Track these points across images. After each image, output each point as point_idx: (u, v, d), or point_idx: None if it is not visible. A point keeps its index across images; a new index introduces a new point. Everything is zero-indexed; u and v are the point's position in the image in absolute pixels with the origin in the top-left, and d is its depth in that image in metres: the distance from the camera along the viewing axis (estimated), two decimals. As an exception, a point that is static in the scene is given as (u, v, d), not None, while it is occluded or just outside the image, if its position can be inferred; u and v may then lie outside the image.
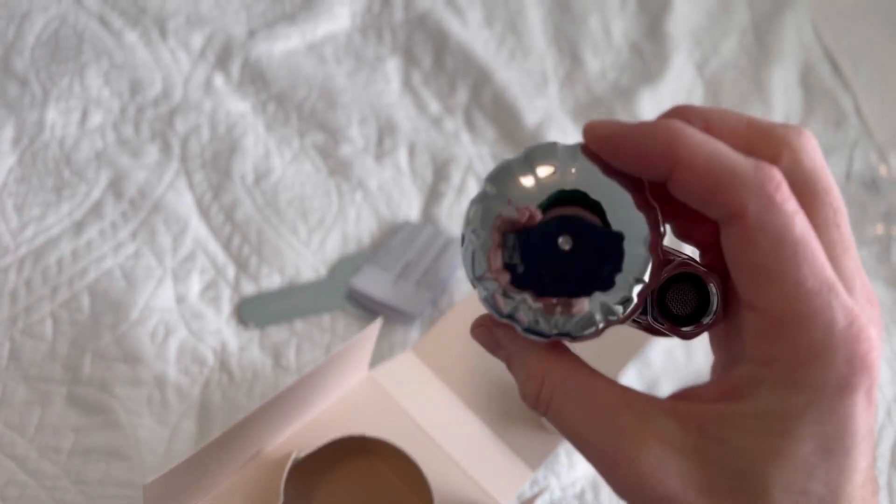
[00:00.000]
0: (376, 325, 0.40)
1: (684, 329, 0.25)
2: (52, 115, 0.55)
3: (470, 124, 0.62)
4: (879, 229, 0.59)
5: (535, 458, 0.42)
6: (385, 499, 0.42)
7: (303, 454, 0.38)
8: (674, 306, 0.25)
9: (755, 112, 0.67)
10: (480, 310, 0.46)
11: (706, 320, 0.25)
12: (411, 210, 0.56)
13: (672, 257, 0.25)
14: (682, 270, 0.25)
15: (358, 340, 0.39)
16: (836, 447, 0.21)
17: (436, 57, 0.65)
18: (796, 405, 0.21)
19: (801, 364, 0.21)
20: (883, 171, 0.63)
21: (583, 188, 0.24)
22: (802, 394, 0.21)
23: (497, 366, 0.44)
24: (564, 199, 0.24)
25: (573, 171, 0.24)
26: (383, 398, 0.42)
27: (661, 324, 0.25)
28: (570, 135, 0.62)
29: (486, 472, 0.41)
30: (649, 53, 0.70)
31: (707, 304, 0.25)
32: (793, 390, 0.21)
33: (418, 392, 0.43)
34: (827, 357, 0.21)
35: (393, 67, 0.65)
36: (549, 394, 0.25)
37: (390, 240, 0.53)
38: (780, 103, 0.68)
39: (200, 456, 0.32)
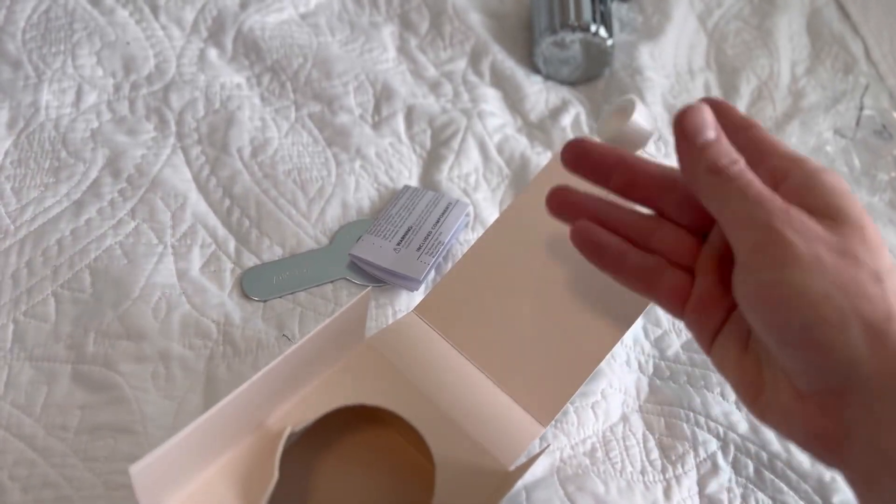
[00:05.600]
0: (367, 293, 0.39)
1: None
2: (46, 96, 0.55)
3: (468, 88, 0.61)
4: (892, 174, 0.57)
5: (546, 414, 0.42)
6: (392, 464, 0.41)
7: (298, 428, 0.37)
8: None
9: (761, 63, 0.65)
10: (482, 267, 0.45)
11: None
12: (411, 176, 0.55)
13: None
14: None
15: (350, 308, 0.38)
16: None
17: (433, 22, 0.64)
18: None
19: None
20: None
21: None
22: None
23: (505, 317, 0.43)
24: None
25: None
26: (382, 365, 0.41)
27: None
28: (571, 95, 0.61)
29: (491, 434, 0.40)
30: (650, 7, 0.68)
31: None
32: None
33: (419, 355, 0.42)
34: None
35: (388, 34, 0.64)
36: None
37: (390, 206, 0.52)
38: (786, 52, 0.66)
39: (192, 436, 0.32)
